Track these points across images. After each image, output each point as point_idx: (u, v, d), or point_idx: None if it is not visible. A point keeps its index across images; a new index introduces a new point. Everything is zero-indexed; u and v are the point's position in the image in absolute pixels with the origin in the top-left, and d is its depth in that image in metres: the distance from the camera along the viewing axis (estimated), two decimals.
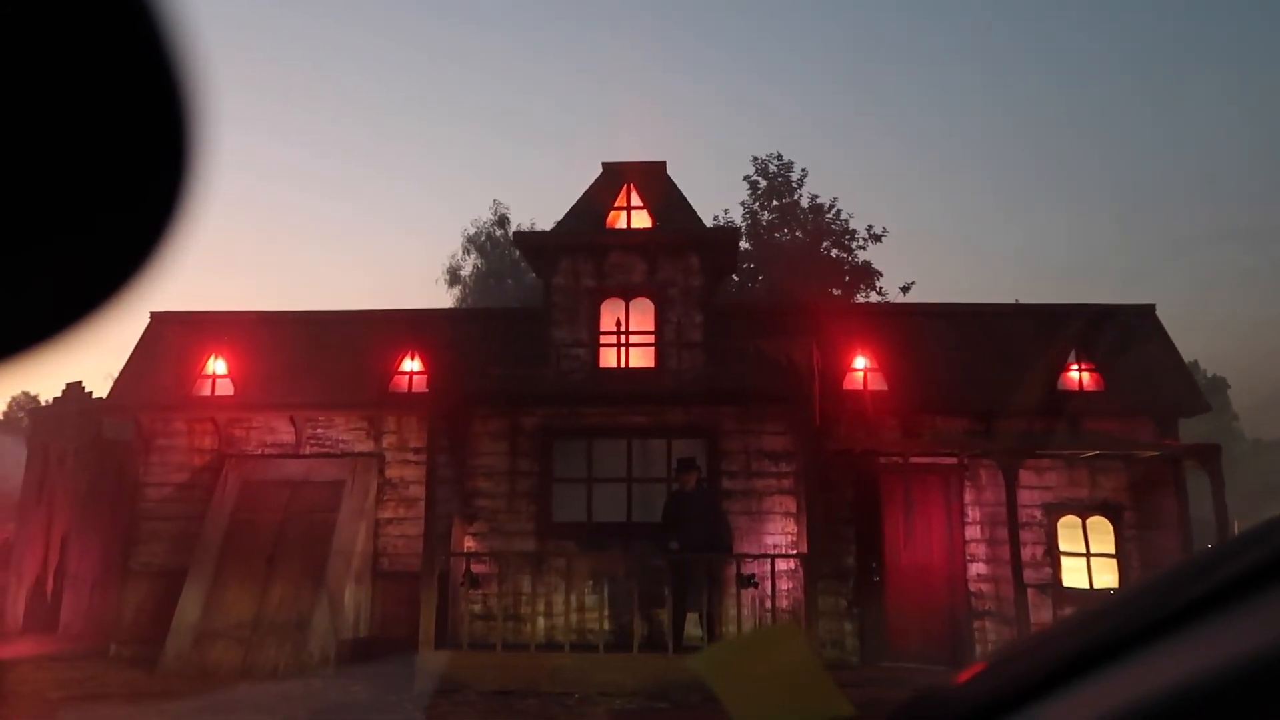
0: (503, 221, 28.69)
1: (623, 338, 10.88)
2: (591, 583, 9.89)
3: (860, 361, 11.53)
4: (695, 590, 9.12)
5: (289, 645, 10.28)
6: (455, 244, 48.41)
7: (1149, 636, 0.59)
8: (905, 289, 25.95)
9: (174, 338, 12.40)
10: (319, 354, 12.10)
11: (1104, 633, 0.63)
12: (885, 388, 11.46)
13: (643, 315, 11.01)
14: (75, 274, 0.62)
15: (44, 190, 0.59)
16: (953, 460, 11.29)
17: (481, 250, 28.34)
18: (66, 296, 0.62)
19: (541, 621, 9.65)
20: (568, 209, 11.64)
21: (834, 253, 25.46)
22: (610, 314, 11.02)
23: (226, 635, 10.44)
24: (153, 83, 0.57)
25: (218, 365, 12.10)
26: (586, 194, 11.67)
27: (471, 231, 28.49)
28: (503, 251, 28.31)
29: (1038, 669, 0.65)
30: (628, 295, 11.02)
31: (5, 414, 49.54)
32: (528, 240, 11.29)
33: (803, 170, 26.07)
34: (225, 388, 12.06)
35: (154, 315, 12.82)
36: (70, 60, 0.56)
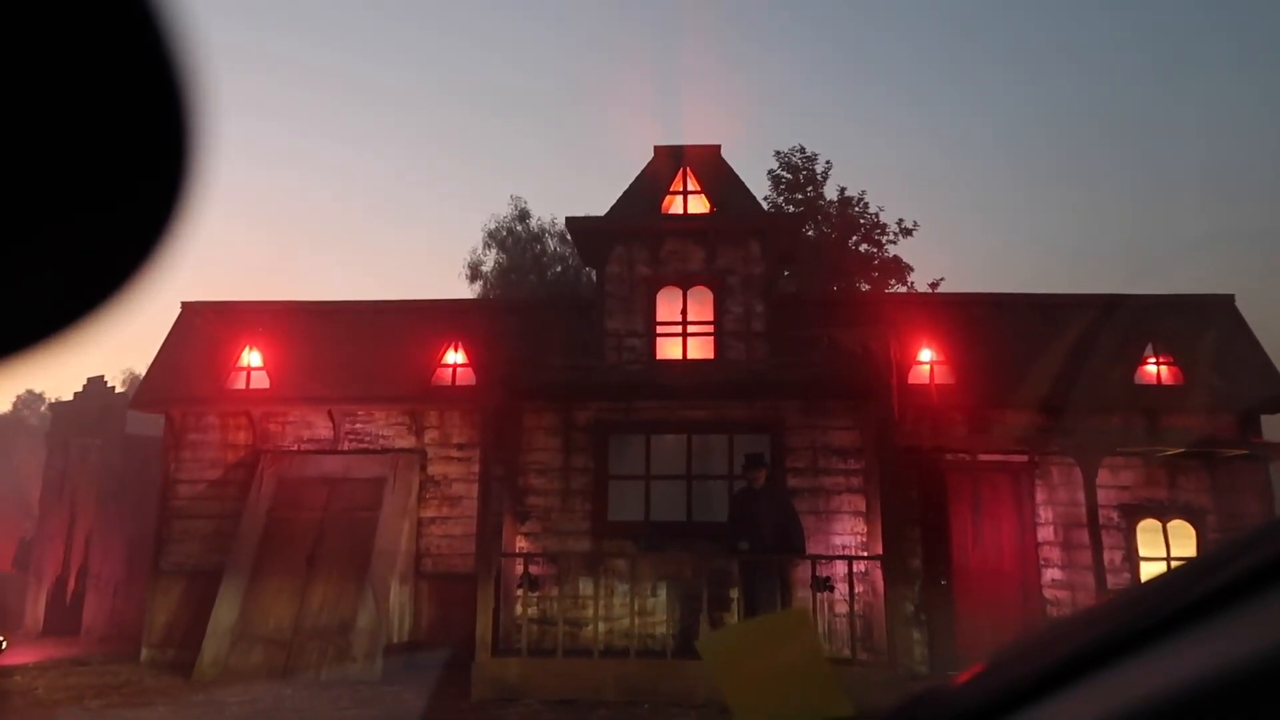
0: (523, 216, 28.18)
1: (681, 328, 10.38)
2: (651, 585, 9.39)
3: (926, 354, 11.02)
4: (766, 593, 8.61)
5: (332, 650, 9.79)
6: (473, 239, 47.95)
7: (1148, 638, 0.59)
8: (934, 285, 25.40)
9: (206, 329, 11.91)
10: (357, 346, 11.61)
11: (1103, 634, 0.63)
12: (952, 381, 10.95)
13: (701, 305, 10.51)
14: (77, 269, 0.61)
15: (43, 185, 0.58)
16: (1023, 457, 10.77)
17: (502, 245, 27.81)
18: (68, 293, 0.61)
19: (600, 626, 9.13)
20: (617, 196, 11.15)
21: (863, 247, 24.94)
22: (666, 303, 10.53)
23: (266, 639, 9.96)
24: (151, 75, 0.55)
25: (252, 357, 11.61)
26: (639, 178, 11.18)
27: (492, 226, 27.97)
28: (524, 247, 27.81)
29: (1037, 670, 0.65)
30: (685, 284, 10.52)
31: (9, 412, 49.21)
32: (580, 226, 10.79)
33: (827, 163, 25.54)
34: (260, 380, 11.58)
35: (185, 305, 12.34)
36: (67, 51, 0.55)
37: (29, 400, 50.35)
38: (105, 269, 0.61)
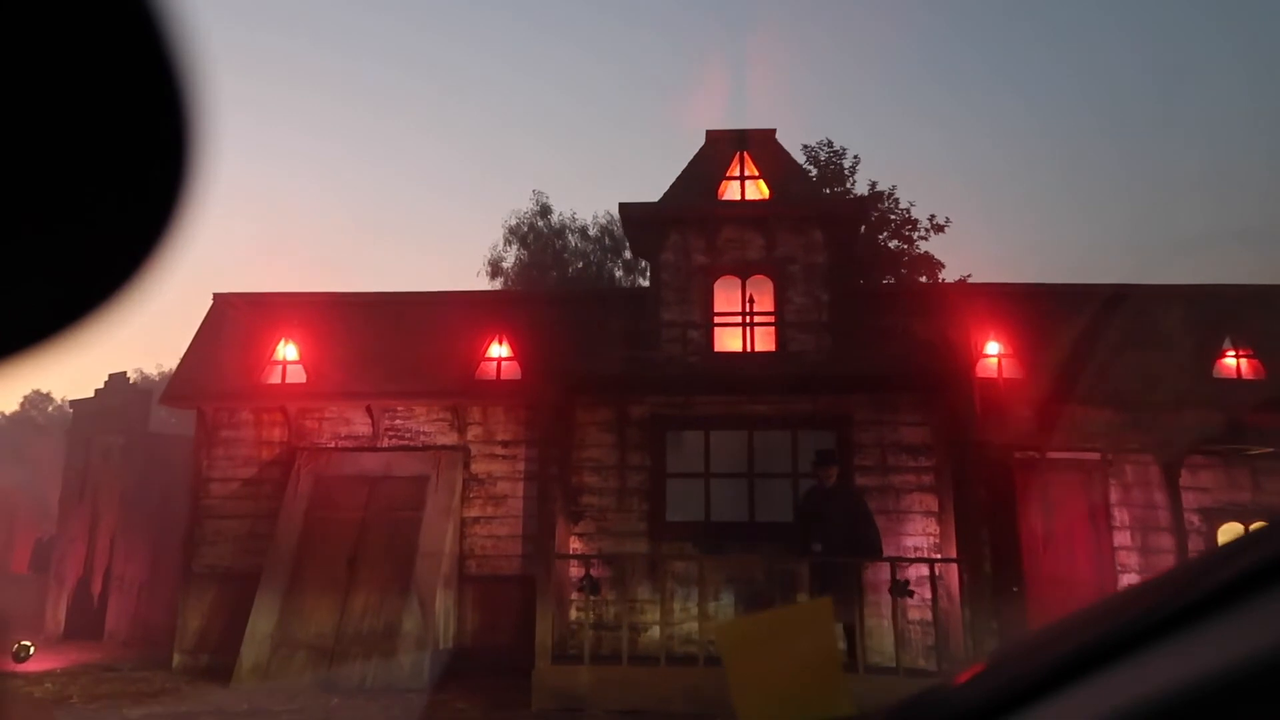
0: (544, 212, 27.75)
1: (741, 319, 9.91)
2: (715, 589, 8.92)
3: (993, 346, 10.53)
4: (842, 599, 8.12)
5: (376, 656, 9.33)
6: (490, 237, 47.52)
7: (1147, 638, 0.59)
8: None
9: (240, 321, 11.47)
10: (397, 339, 11.16)
11: (1102, 634, 0.63)
12: (1019, 374, 10.46)
13: (761, 295, 10.03)
14: (78, 269, 0.61)
15: (43, 184, 0.57)
16: (1095, 455, 10.29)
17: (523, 241, 27.36)
18: (70, 292, 0.61)
19: (662, 631, 8.66)
20: (670, 183, 10.68)
21: (893, 243, 24.41)
22: (724, 293, 10.06)
23: (307, 644, 9.50)
24: (151, 71, 0.55)
25: (288, 351, 11.16)
26: (691, 164, 10.72)
27: (513, 223, 27.53)
28: (545, 243, 27.37)
29: (1036, 670, 0.65)
30: (744, 273, 10.05)
31: (18, 412, 48.93)
32: (634, 212, 10.31)
33: (855, 157, 25.01)
34: (296, 375, 11.13)
35: (217, 297, 11.90)
36: (66, 48, 0.54)
37: (36, 400, 50.10)
38: (106, 268, 0.60)
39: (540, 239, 27.39)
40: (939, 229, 24.53)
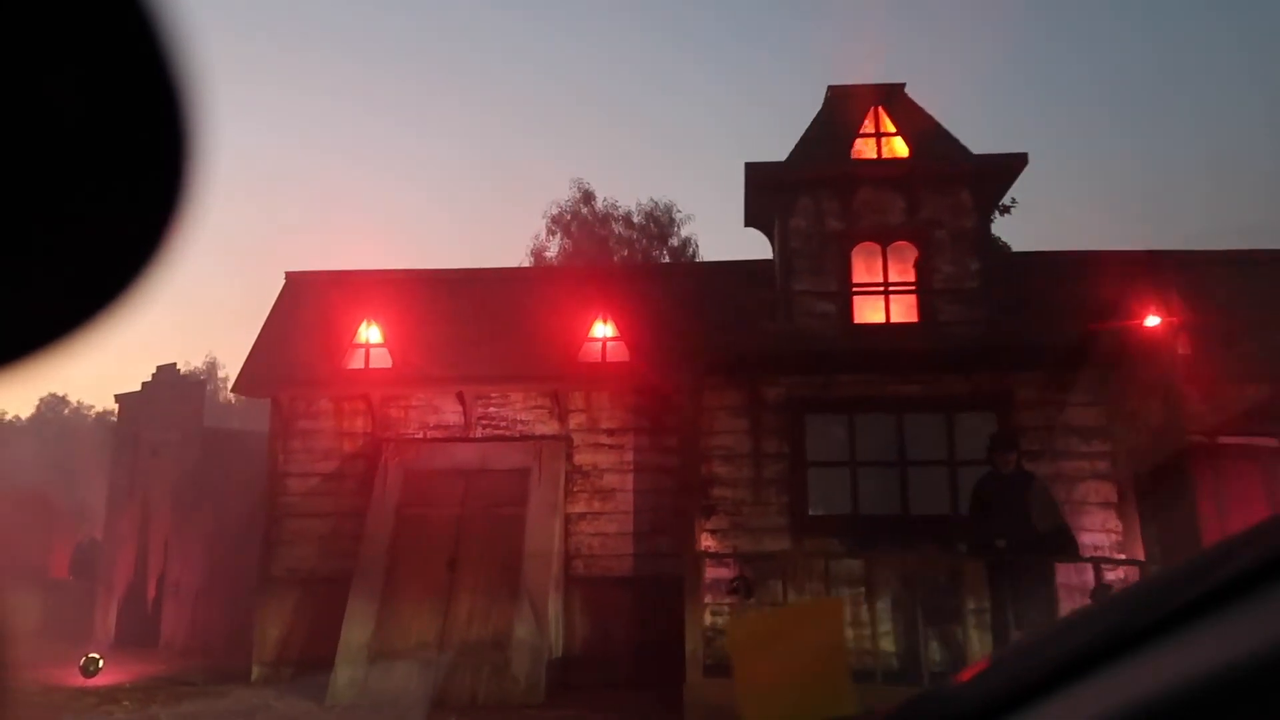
0: (587, 199, 26.83)
1: (883, 289, 8.93)
2: (877, 592, 7.93)
3: (1152, 320, 9.50)
4: (1030, 604, 7.11)
5: (487, 669, 8.37)
6: (527, 226, 46.46)
7: (1148, 636, 0.58)
8: None
9: (317, 302, 10.53)
10: (490, 319, 10.20)
11: (1103, 633, 0.62)
12: (1185, 351, 9.45)
13: (902, 262, 9.04)
14: (77, 270, 0.59)
15: (43, 188, 0.56)
16: (1272, 442, 9.26)
17: (566, 230, 26.44)
18: (68, 295, 0.60)
19: None
20: (795, 142, 9.68)
21: None
22: (861, 261, 9.06)
23: (408, 656, 8.55)
24: (149, 70, 0.54)
25: (371, 333, 10.21)
26: (815, 123, 9.72)
27: (554, 211, 26.61)
28: (590, 230, 26.43)
29: (1037, 669, 0.64)
30: (884, 239, 9.05)
31: (32, 416, 48.21)
32: (758, 173, 9.30)
33: None
34: (380, 359, 10.18)
35: (290, 276, 10.96)
36: (61, 44, 0.53)
37: (53, 403, 49.39)
38: (106, 272, 0.59)
39: (584, 226, 26.46)
40: (1004, 210, 23.50)
